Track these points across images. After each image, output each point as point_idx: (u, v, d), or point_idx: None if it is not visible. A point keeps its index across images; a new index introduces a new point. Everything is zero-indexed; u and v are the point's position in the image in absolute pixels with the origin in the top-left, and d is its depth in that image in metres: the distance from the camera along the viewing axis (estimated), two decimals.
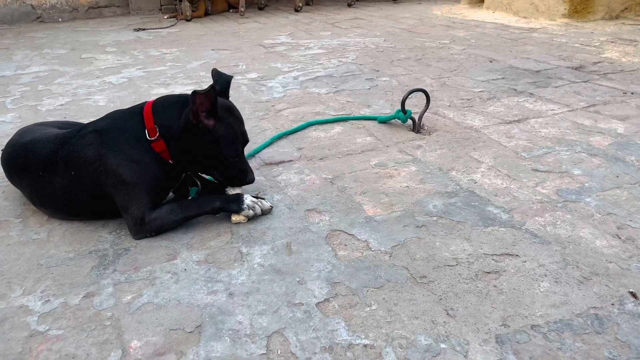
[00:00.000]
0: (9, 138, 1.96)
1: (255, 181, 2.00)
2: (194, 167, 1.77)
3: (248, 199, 1.70)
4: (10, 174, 1.88)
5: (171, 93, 3.24)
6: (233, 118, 1.70)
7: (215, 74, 1.81)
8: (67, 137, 1.73)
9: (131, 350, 1.20)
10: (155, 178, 1.67)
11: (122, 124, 1.69)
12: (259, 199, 1.74)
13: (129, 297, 1.38)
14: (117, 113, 1.78)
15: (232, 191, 1.82)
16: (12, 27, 6.62)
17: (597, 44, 4.16)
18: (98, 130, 1.68)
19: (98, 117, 1.83)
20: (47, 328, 1.28)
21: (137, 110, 1.71)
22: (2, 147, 1.99)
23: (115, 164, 1.62)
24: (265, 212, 1.73)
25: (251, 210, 1.68)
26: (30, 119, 2.80)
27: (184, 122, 1.61)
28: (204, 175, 1.87)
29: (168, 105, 1.69)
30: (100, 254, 1.59)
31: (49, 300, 1.38)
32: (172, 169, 1.72)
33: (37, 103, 3.18)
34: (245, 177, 1.74)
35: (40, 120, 2.33)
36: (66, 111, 2.98)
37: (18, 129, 2.04)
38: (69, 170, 1.67)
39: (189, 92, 1.55)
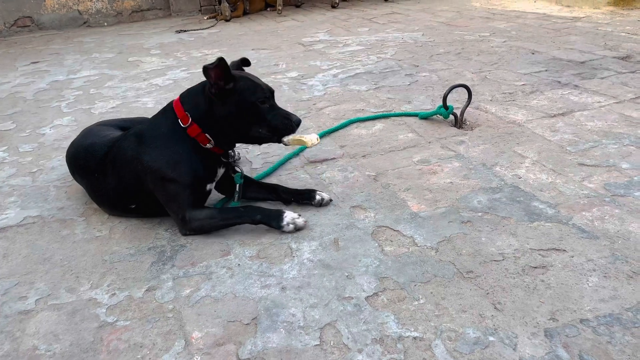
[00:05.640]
0: (69, 139, 2.09)
1: (300, 179, 2.07)
2: (236, 138, 1.81)
3: (288, 217, 1.70)
4: (74, 173, 2.02)
5: None
6: (248, 76, 1.78)
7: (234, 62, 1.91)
8: (115, 141, 1.85)
9: (193, 340, 1.28)
10: (192, 171, 1.73)
11: (157, 122, 1.81)
12: (298, 216, 1.74)
13: (188, 291, 1.46)
14: (153, 116, 1.89)
15: (289, 138, 1.79)
16: (60, 32, 6.90)
17: None
18: (136, 132, 1.80)
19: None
20: (115, 319, 1.38)
21: (168, 107, 1.81)
22: (64, 148, 2.12)
23: (151, 160, 1.71)
24: (300, 229, 1.72)
25: (291, 225, 1.70)
26: (85, 122, 2.95)
27: (209, 96, 1.70)
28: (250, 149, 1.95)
29: (192, 93, 1.78)
30: (159, 250, 1.68)
31: (115, 294, 1.48)
32: (209, 157, 1.78)
33: (90, 106, 3.34)
34: (290, 121, 1.75)
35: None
36: (117, 114, 3.12)
37: (82, 129, 2.17)
38: (115, 172, 1.79)
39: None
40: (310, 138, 1.76)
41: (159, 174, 1.71)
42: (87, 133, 2.06)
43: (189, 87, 1.84)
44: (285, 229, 1.69)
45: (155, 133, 1.76)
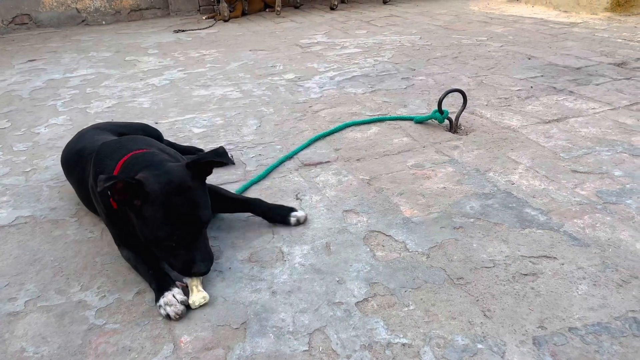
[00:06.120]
0: (64, 139, 2.09)
1: (294, 182, 2.07)
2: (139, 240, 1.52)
3: (168, 296, 1.39)
4: (67, 174, 2.02)
5: (211, 95, 3.35)
6: (168, 199, 1.41)
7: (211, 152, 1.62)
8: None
9: (182, 344, 1.28)
10: (117, 225, 1.61)
11: (103, 163, 1.64)
12: (175, 300, 1.39)
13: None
14: (108, 146, 1.71)
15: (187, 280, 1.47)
16: (58, 30, 6.89)
17: None
18: (98, 152, 1.70)
19: (140, 120, 1.92)
20: (104, 322, 1.37)
21: (117, 157, 1.62)
22: (59, 147, 2.12)
23: (93, 190, 1.66)
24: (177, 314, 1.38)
25: (162, 310, 1.38)
26: (81, 121, 2.95)
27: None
28: None
29: (133, 164, 1.55)
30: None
31: (105, 296, 1.48)
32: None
33: (86, 106, 3.33)
34: (189, 269, 1.43)
35: (91, 123, 2.44)
36: (113, 113, 3.12)
37: (79, 131, 2.17)
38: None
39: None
40: (198, 297, 1.41)
41: (100, 205, 1.64)
42: (80, 136, 2.05)
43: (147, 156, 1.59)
44: (160, 310, 1.39)
45: (97, 167, 1.64)
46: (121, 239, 1.62)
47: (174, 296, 1.39)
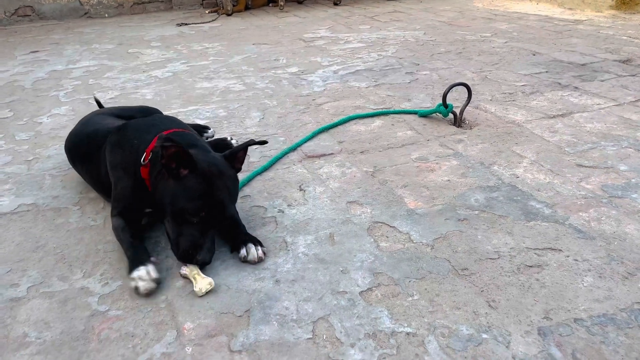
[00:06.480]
0: (66, 128, 2.08)
1: (297, 173, 2.06)
2: (159, 208, 1.54)
3: (142, 270, 1.42)
4: (74, 161, 2.01)
5: (214, 87, 3.34)
6: (212, 173, 1.48)
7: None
8: (108, 134, 1.83)
9: (185, 331, 1.27)
10: (131, 194, 1.64)
11: (137, 136, 1.70)
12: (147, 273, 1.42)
13: (181, 282, 1.45)
14: (142, 122, 1.78)
15: (186, 270, 1.46)
16: (61, 22, 6.87)
17: None
18: (118, 132, 1.77)
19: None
20: (107, 308, 1.37)
21: (155, 130, 1.68)
22: (61, 137, 2.11)
23: (112, 163, 1.71)
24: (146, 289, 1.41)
25: (133, 282, 1.40)
26: (83, 112, 2.94)
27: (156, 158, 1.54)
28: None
29: (179, 135, 1.62)
30: (153, 240, 1.67)
31: (107, 283, 1.47)
32: (149, 196, 1.60)
33: (88, 96, 3.32)
34: (192, 254, 1.42)
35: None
36: (116, 104, 3.10)
37: (81, 119, 2.16)
38: (104, 160, 1.79)
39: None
40: (204, 283, 1.39)
41: (113, 177, 1.70)
42: (87, 121, 2.05)
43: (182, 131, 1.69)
44: (131, 283, 1.41)
45: (127, 145, 1.69)
46: (125, 208, 1.64)
47: (148, 272, 1.42)
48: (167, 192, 1.48)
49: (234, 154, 1.61)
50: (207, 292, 1.39)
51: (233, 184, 1.55)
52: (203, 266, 1.46)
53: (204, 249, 1.43)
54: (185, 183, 1.45)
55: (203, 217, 1.44)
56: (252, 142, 1.63)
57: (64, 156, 2.35)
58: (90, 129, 1.96)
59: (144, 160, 1.59)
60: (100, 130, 1.91)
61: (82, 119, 2.14)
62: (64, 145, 2.14)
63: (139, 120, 1.83)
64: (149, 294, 1.39)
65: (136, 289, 1.39)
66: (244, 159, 1.66)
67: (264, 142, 1.69)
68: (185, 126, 1.86)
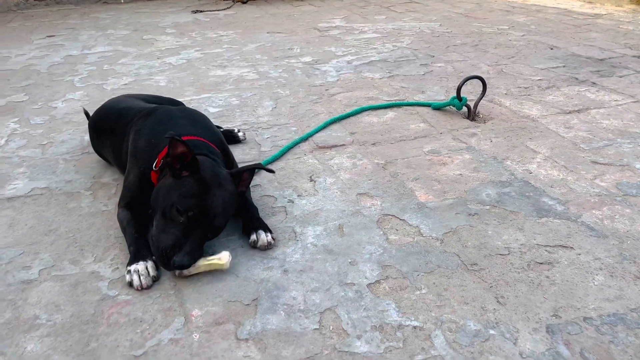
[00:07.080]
0: (80, 113, 2.10)
1: (308, 164, 2.05)
2: (152, 204, 1.53)
3: (141, 265, 1.42)
4: (99, 135, 2.04)
5: (228, 75, 3.34)
6: (210, 180, 1.47)
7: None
8: (138, 113, 1.86)
9: (193, 318, 1.28)
10: (139, 188, 1.65)
11: (160, 130, 1.69)
12: (145, 268, 1.43)
13: None
14: (170, 114, 1.79)
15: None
16: (77, 7, 6.89)
17: None
18: (147, 116, 1.79)
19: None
20: (116, 293, 1.38)
21: (177, 130, 1.66)
22: (75, 122, 2.12)
23: (131, 150, 1.72)
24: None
25: (129, 276, 1.41)
26: (97, 97, 2.95)
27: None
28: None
29: (194, 145, 1.58)
30: None
31: (117, 268, 1.48)
32: None
33: (102, 82, 3.34)
34: (172, 254, 1.36)
35: (107, 99, 2.45)
36: (129, 90, 3.12)
37: (110, 98, 2.21)
38: (127, 140, 1.81)
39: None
40: (225, 257, 1.42)
41: (130, 163, 1.72)
42: (119, 100, 2.11)
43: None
44: (127, 275, 1.41)
45: (150, 133, 1.71)
46: (132, 199, 1.65)
47: (147, 268, 1.42)
48: (164, 187, 1.49)
49: (240, 174, 1.60)
50: (216, 270, 1.43)
51: (230, 199, 1.51)
52: (181, 269, 1.38)
53: (183, 251, 1.37)
54: (183, 182, 1.46)
55: (190, 218, 1.39)
56: (259, 166, 1.61)
57: (78, 141, 2.37)
58: (122, 105, 2.02)
59: (155, 166, 1.60)
60: (132, 108, 1.94)
61: (113, 98, 2.21)
62: (88, 124, 2.17)
63: (169, 111, 1.81)
64: (144, 289, 1.39)
65: (130, 283, 1.39)
66: (249, 182, 1.64)
67: (271, 171, 1.65)
68: (210, 124, 1.86)
